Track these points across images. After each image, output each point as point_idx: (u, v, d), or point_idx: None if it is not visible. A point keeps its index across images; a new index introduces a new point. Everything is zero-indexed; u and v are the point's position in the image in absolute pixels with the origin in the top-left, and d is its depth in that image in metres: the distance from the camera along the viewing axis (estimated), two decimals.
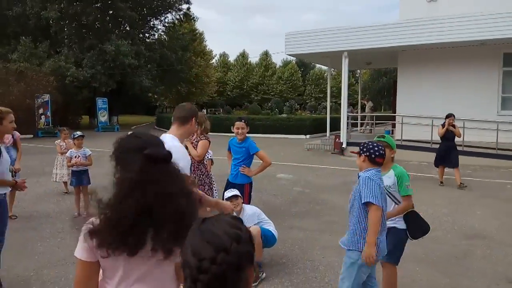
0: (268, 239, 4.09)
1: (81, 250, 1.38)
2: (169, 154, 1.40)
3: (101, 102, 26.02)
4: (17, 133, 5.99)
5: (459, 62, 12.90)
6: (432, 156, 11.77)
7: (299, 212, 6.54)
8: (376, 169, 2.86)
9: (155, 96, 42.77)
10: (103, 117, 25.94)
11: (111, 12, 28.94)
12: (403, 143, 12.75)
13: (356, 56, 13.93)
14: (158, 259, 1.37)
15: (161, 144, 1.48)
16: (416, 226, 3.42)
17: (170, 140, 2.63)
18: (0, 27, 28.05)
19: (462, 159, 11.35)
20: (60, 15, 26.12)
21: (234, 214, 4.23)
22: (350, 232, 2.90)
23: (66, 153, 6.56)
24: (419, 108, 12.99)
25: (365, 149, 2.87)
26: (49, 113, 22.25)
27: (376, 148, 2.84)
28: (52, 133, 20.56)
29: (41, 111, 22.07)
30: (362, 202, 2.73)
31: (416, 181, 9.17)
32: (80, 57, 26.09)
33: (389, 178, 3.33)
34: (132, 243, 1.32)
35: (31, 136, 20.37)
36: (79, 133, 6.38)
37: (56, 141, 7.89)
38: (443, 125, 8.81)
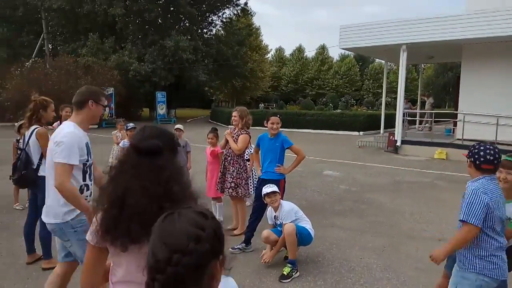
0: (303, 237, 4.04)
1: (90, 234, 1.47)
2: (154, 147, 1.43)
3: (160, 96, 27.23)
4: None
5: None
6: None
7: (342, 210, 6.39)
8: (486, 177, 2.39)
9: (211, 90, 43.88)
10: (161, 110, 27.14)
11: (172, 8, 30.09)
12: (464, 143, 11.89)
13: (416, 50, 13.19)
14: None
15: (156, 136, 1.50)
16: None
17: (66, 127, 2.55)
18: (72, 24, 30.38)
19: None
20: (125, 11, 27.67)
21: (271, 210, 4.23)
22: (463, 250, 2.46)
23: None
24: (483, 106, 12.02)
25: (471, 153, 2.46)
26: (112, 105, 23.79)
27: (483, 153, 2.39)
28: (115, 124, 21.94)
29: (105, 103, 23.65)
30: (459, 218, 2.37)
31: None
32: (142, 52, 27.48)
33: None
34: (115, 235, 1.38)
35: (96, 126, 21.88)
36: (131, 124, 6.73)
37: (113, 132, 8.40)
38: None
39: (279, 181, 4.39)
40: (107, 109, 23.67)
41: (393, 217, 5.99)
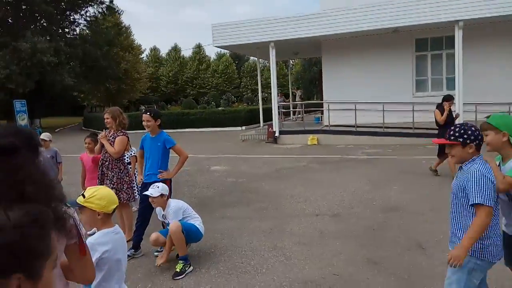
0: (191, 234, 4.05)
1: None
2: (8, 144, 1.30)
3: (19, 105, 23.91)
4: None
5: (376, 48, 13.77)
6: (356, 139, 12.56)
7: (231, 201, 6.59)
8: (480, 157, 2.31)
9: (81, 95, 40.31)
10: (22, 120, 23.93)
11: (24, 7, 26.59)
12: (331, 128, 13.35)
13: (283, 46, 14.24)
14: None
15: (10, 134, 1.37)
16: None
17: None
18: None
19: (384, 140, 12.21)
20: None
21: (160, 208, 4.14)
22: (457, 231, 2.39)
23: None
24: (343, 95, 13.67)
25: (471, 136, 2.29)
26: None
27: (477, 132, 2.31)
28: None
29: None
30: (470, 203, 2.23)
31: (343, 163, 9.69)
32: None
33: None
34: None
35: None
36: None
37: None
38: (440, 110, 7.45)
39: (164, 182, 4.31)
40: None
41: (277, 201, 6.42)
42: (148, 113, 4.37)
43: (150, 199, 3.99)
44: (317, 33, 12.83)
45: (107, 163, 4.65)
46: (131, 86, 40.27)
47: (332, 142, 12.94)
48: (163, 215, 4.15)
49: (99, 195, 2.04)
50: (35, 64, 23.78)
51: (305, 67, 46.18)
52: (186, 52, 59.69)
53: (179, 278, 3.77)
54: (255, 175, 8.72)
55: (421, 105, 12.57)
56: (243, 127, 20.87)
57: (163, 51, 60.78)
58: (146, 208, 4.33)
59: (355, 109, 12.83)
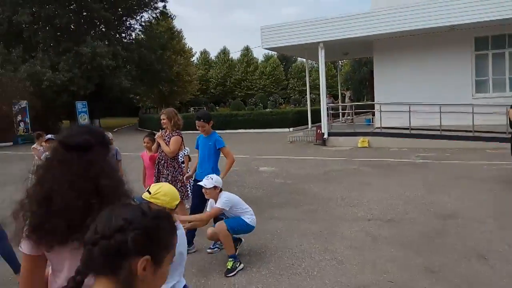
0: (239, 228, 4.09)
1: (24, 245, 1.39)
2: (83, 142, 1.41)
3: (80, 106, 25.64)
4: None
5: (432, 48, 13.14)
6: (411, 142, 12.06)
7: (279, 202, 6.60)
8: None
9: (137, 97, 42.31)
10: (83, 120, 25.56)
11: (85, 13, 28.45)
12: (383, 130, 12.94)
13: (332, 47, 14.04)
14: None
15: (85, 133, 1.48)
16: None
17: None
18: None
19: (440, 143, 11.64)
20: (32, 18, 25.57)
21: (212, 200, 4.20)
22: None
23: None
24: (396, 96, 13.18)
25: None
26: (27, 120, 21.84)
27: None
28: (32, 139, 20.18)
29: (19, 117, 21.65)
30: None
31: (396, 166, 9.36)
32: (55, 60, 25.60)
33: None
34: (41, 234, 1.34)
35: (10, 143, 19.97)
36: (49, 135, 6.30)
37: (32, 146, 7.76)
38: None
39: None
40: (22, 124, 21.68)
41: (327, 204, 6.34)
42: (200, 120, 4.53)
43: (203, 190, 4.07)
44: (368, 33, 12.50)
45: (163, 161, 4.85)
46: (182, 88, 41.69)
47: (384, 144, 12.53)
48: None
49: (163, 191, 2.14)
50: (95, 68, 25.34)
51: (355, 67, 45.17)
52: (235, 54, 60.66)
53: (231, 275, 3.85)
54: (304, 177, 8.66)
55: (481, 107, 11.85)
56: (291, 129, 20.82)
57: (213, 54, 62.24)
58: (198, 205, 4.47)
59: (409, 111, 12.34)
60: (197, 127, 4.59)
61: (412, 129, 12.36)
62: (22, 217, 1.38)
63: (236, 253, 4.10)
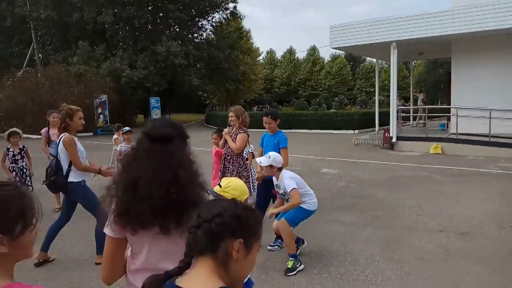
0: (301, 217, 4.06)
1: (108, 228, 1.51)
2: (166, 134, 1.49)
3: (154, 101, 27.20)
4: None
5: None
6: (490, 151, 11.07)
7: (342, 206, 6.44)
8: None
9: (205, 95, 43.85)
10: (156, 115, 27.09)
11: (161, 14, 30.10)
12: (459, 137, 12.05)
13: (406, 47, 13.36)
14: (173, 236, 1.45)
15: (167, 126, 1.56)
16: None
17: None
18: (62, 33, 30.26)
19: None
20: (114, 19, 27.63)
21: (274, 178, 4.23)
22: None
23: None
24: (475, 100, 12.17)
25: None
26: (107, 112, 23.71)
27: None
28: (110, 131, 21.87)
29: (99, 110, 23.56)
30: None
31: (472, 176, 8.67)
32: (133, 58, 27.43)
33: None
34: (127, 219, 1.43)
35: (91, 134, 21.80)
36: (127, 128, 6.74)
37: (114, 136, 8.37)
38: None
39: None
40: (101, 116, 23.56)
41: (393, 211, 6.06)
42: (268, 116, 4.58)
43: (260, 166, 4.15)
44: (447, 32, 11.67)
45: (229, 157, 4.97)
46: (248, 87, 42.40)
47: (459, 152, 11.65)
48: (276, 185, 4.23)
49: (233, 186, 2.19)
50: (168, 66, 26.74)
51: (429, 68, 42.60)
52: (301, 54, 60.24)
53: (291, 275, 3.84)
54: (368, 181, 8.36)
55: None
56: (356, 131, 20.20)
57: (279, 54, 62.45)
58: (262, 203, 4.52)
59: (490, 117, 11.35)
60: (263, 124, 4.65)
61: (492, 136, 11.36)
62: (109, 202, 1.49)
63: (297, 253, 4.08)
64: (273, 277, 3.84)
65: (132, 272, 1.56)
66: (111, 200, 1.49)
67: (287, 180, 3.96)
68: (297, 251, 4.12)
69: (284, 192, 4.05)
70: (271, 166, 4.03)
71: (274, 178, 4.24)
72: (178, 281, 1.09)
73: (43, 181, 4.23)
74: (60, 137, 4.00)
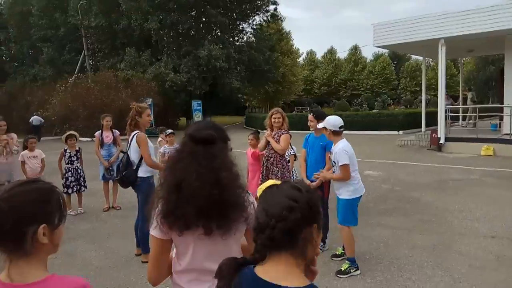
0: (348, 213, 3.98)
1: (154, 229, 1.55)
2: (209, 136, 1.52)
3: (196, 104, 27.84)
4: (117, 132, 6.81)
5: None
6: None
7: (387, 209, 6.27)
8: None
9: (244, 97, 44.23)
10: (197, 118, 27.68)
11: (204, 19, 30.76)
12: None
13: (455, 44, 12.75)
14: (216, 236, 1.48)
15: (210, 128, 1.60)
16: None
17: None
18: (110, 40, 31.77)
19: None
20: (160, 25, 28.59)
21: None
22: None
23: None
24: None
25: None
26: (152, 115, 24.58)
27: None
28: (155, 133, 22.66)
29: None
30: None
31: None
32: (177, 63, 28.23)
33: None
34: (173, 220, 1.47)
35: None
36: (170, 130, 6.96)
37: (159, 139, 8.67)
38: None
39: (323, 183, 4.41)
40: None
41: (441, 215, 5.81)
42: (312, 114, 4.57)
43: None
44: (500, 27, 10.99)
45: (272, 159, 4.99)
46: (288, 89, 42.25)
47: None
48: (330, 151, 4.21)
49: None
50: (210, 69, 27.26)
51: (479, 66, 40.40)
52: (342, 54, 59.18)
53: (343, 277, 3.81)
54: (414, 184, 8.07)
55: None
56: (401, 132, 19.51)
57: (319, 54, 61.71)
58: None
59: None
60: (308, 122, 4.68)
61: None
62: (156, 203, 1.55)
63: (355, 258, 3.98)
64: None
65: (178, 273, 1.60)
66: (157, 202, 1.53)
67: (341, 152, 3.87)
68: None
69: (335, 161, 4.01)
70: (325, 128, 4.04)
71: (334, 153, 4.13)
72: (259, 272, 1.09)
73: (114, 177, 4.51)
74: (133, 134, 4.21)
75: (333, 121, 4.02)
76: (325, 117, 4.38)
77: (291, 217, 1.05)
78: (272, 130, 5.01)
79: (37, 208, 1.10)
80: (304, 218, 1.07)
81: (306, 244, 1.08)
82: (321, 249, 4.47)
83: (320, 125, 4.09)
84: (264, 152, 5.21)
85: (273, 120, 4.92)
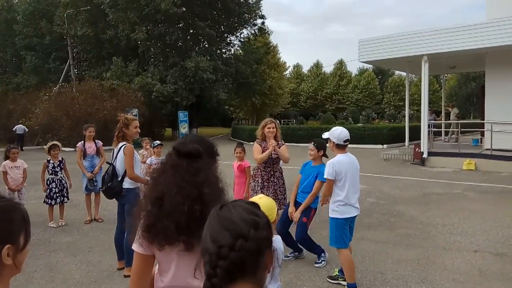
0: (337, 232, 3.89)
1: (137, 244, 1.51)
2: (194, 150, 1.50)
3: (182, 115, 27.73)
4: (100, 142, 6.69)
5: None
6: None
7: (371, 223, 6.29)
8: None
9: (231, 109, 44.32)
10: (183, 129, 27.57)
11: (191, 31, 30.88)
12: (493, 152, 11.58)
13: (437, 60, 13.07)
14: (198, 252, 1.45)
15: (197, 142, 1.57)
16: None
17: None
18: (96, 50, 31.56)
19: None
20: (147, 36, 28.56)
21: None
22: None
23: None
24: (510, 114, 11.70)
25: None
26: None
27: None
28: (140, 144, 22.41)
29: None
30: None
31: (507, 193, 8.29)
32: (164, 74, 28.17)
33: None
34: (154, 234, 1.44)
35: None
36: (158, 142, 6.89)
37: (139, 151, 8.57)
38: None
39: (310, 210, 4.42)
40: None
41: (425, 229, 5.85)
42: (313, 144, 4.52)
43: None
44: (482, 45, 11.33)
45: (277, 173, 5.02)
46: (274, 101, 42.53)
47: (494, 169, 11.19)
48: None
49: (261, 203, 2.17)
50: (197, 81, 27.28)
51: (461, 82, 41.47)
52: (327, 68, 60.06)
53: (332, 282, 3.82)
54: (399, 198, 8.14)
55: None
56: (385, 146, 19.79)
57: (305, 68, 62.49)
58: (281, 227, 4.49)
59: None
60: (308, 151, 4.60)
61: None
62: (138, 216, 1.51)
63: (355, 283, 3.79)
64: None
65: None
66: (140, 214, 1.50)
67: (328, 165, 3.77)
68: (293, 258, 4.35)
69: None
70: (329, 139, 3.85)
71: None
72: None
73: (100, 188, 4.46)
74: (120, 146, 4.16)
75: (338, 133, 3.76)
76: (325, 148, 4.33)
77: (259, 235, 0.91)
78: (263, 140, 4.97)
79: None
80: (267, 237, 0.94)
81: (264, 271, 0.94)
82: (294, 258, 4.57)
83: (324, 135, 3.90)
84: (249, 164, 5.19)
85: (266, 130, 4.83)
